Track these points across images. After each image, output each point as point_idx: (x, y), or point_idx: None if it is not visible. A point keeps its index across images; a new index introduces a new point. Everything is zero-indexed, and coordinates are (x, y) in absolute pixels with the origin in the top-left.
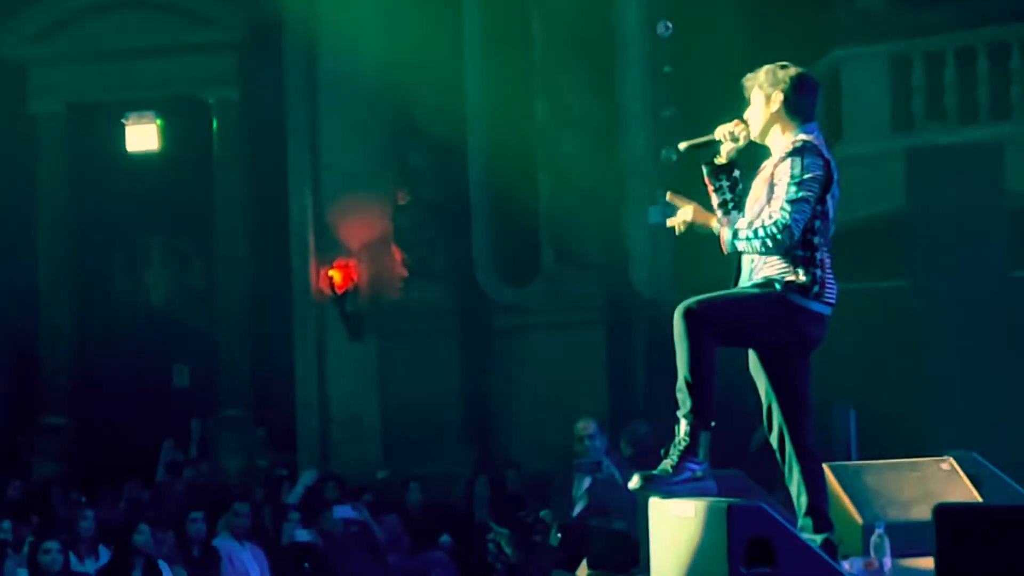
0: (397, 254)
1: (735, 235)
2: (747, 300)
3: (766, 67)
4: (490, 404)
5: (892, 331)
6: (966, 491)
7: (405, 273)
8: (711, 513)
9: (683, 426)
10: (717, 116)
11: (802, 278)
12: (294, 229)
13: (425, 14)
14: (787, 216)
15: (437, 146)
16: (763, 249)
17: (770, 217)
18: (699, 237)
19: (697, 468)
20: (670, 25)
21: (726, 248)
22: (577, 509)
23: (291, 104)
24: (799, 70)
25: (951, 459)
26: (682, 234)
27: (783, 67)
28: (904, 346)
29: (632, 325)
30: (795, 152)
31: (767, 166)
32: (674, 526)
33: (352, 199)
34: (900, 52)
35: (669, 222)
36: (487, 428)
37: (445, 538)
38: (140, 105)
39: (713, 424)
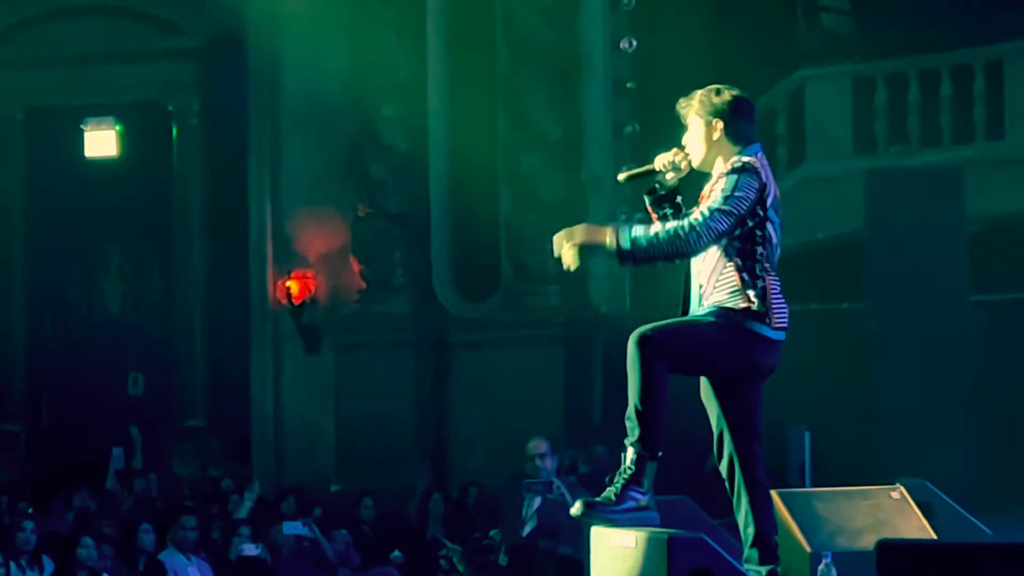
0: (355, 266)
1: (634, 242)
2: (701, 328)
3: (700, 92)
4: (446, 419)
5: (849, 353)
6: (916, 521)
7: (363, 285)
8: (651, 544)
9: (630, 454)
10: (679, 133)
11: (753, 303)
12: (252, 239)
13: (389, 26)
14: (701, 220)
15: (398, 159)
16: (668, 249)
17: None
18: None
19: (641, 497)
20: (634, 42)
21: (622, 258)
22: (527, 529)
23: (252, 113)
24: (734, 93)
25: (901, 487)
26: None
27: (718, 92)
28: (861, 369)
29: (590, 342)
30: (732, 171)
31: (707, 186)
32: (615, 555)
33: (311, 210)
34: (863, 73)
35: (565, 262)
36: (444, 443)
37: (396, 554)
38: (100, 111)
39: (660, 454)
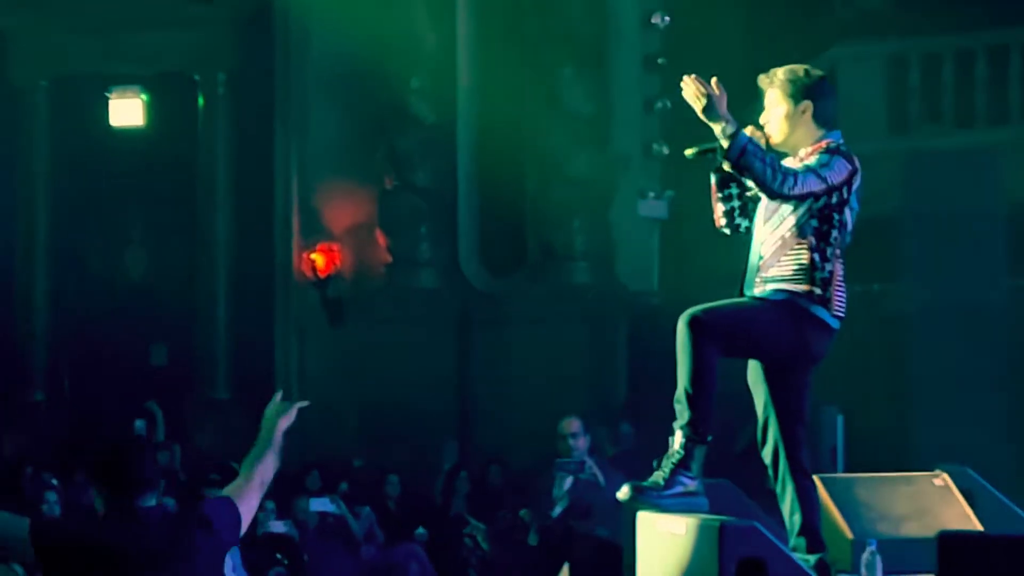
0: (381, 239)
1: (741, 148)
2: (755, 309)
3: (784, 69)
4: (472, 395)
5: (884, 335)
6: (959, 508)
7: (389, 259)
8: (703, 531)
9: (678, 438)
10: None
11: (817, 288)
12: (278, 211)
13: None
14: (799, 170)
15: (426, 131)
16: (760, 175)
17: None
18: (686, 232)
19: (690, 482)
20: (667, 17)
21: (731, 142)
22: (557, 510)
23: (279, 85)
24: (821, 73)
25: (944, 475)
26: (669, 229)
27: (807, 71)
28: (895, 351)
29: (616, 320)
30: (827, 151)
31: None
32: (663, 542)
33: (338, 182)
34: (898, 52)
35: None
36: (468, 420)
37: (421, 531)
38: (125, 80)
39: (710, 439)
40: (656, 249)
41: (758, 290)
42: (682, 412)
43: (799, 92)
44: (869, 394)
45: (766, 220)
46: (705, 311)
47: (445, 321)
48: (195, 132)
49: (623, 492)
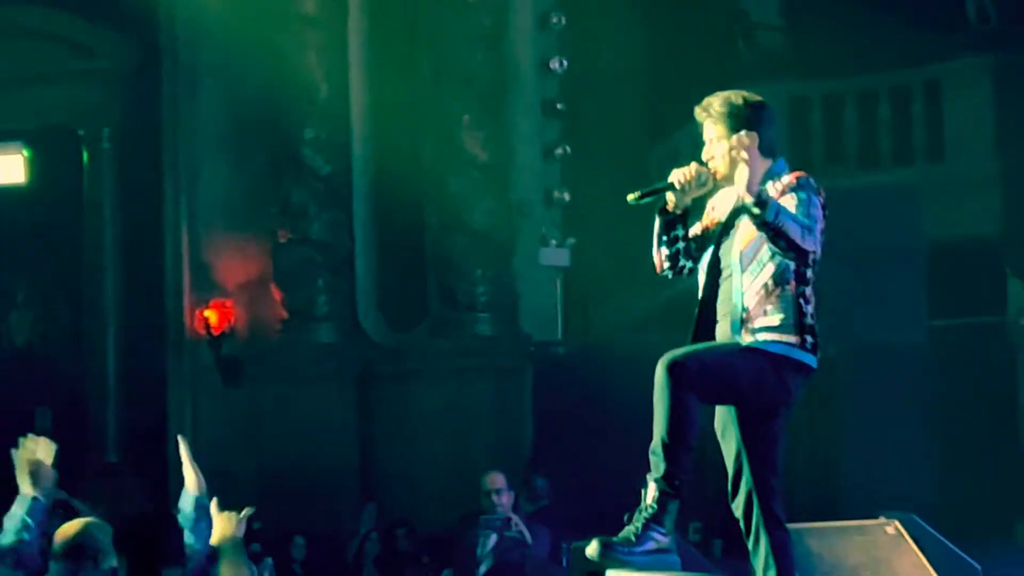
0: (277, 295)
1: (776, 210)
2: (741, 356)
3: (721, 100)
4: (375, 454)
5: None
6: (914, 557)
7: (285, 315)
8: None
9: (651, 491)
10: (613, 156)
11: (806, 335)
12: (168, 267)
13: (310, 47)
14: (809, 222)
15: (321, 183)
16: (795, 229)
17: None
18: (589, 280)
19: (662, 539)
20: (564, 62)
21: (762, 206)
22: (482, 570)
23: (167, 138)
24: (760, 100)
25: (896, 523)
26: (571, 277)
27: (745, 101)
28: (821, 395)
29: (521, 372)
30: (800, 187)
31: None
32: None
33: (230, 237)
34: (800, 93)
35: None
36: (372, 479)
37: None
38: (6, 136)
39: (685, 493)
40: (559, 298)
41: (747, 338)
42: (657, 464)
43: (740, 124)
44: (795, 438)
45: (744, 268)
46: (687, 355)
47: (345, 377)
48: (80, 188)
49: (591, 549)
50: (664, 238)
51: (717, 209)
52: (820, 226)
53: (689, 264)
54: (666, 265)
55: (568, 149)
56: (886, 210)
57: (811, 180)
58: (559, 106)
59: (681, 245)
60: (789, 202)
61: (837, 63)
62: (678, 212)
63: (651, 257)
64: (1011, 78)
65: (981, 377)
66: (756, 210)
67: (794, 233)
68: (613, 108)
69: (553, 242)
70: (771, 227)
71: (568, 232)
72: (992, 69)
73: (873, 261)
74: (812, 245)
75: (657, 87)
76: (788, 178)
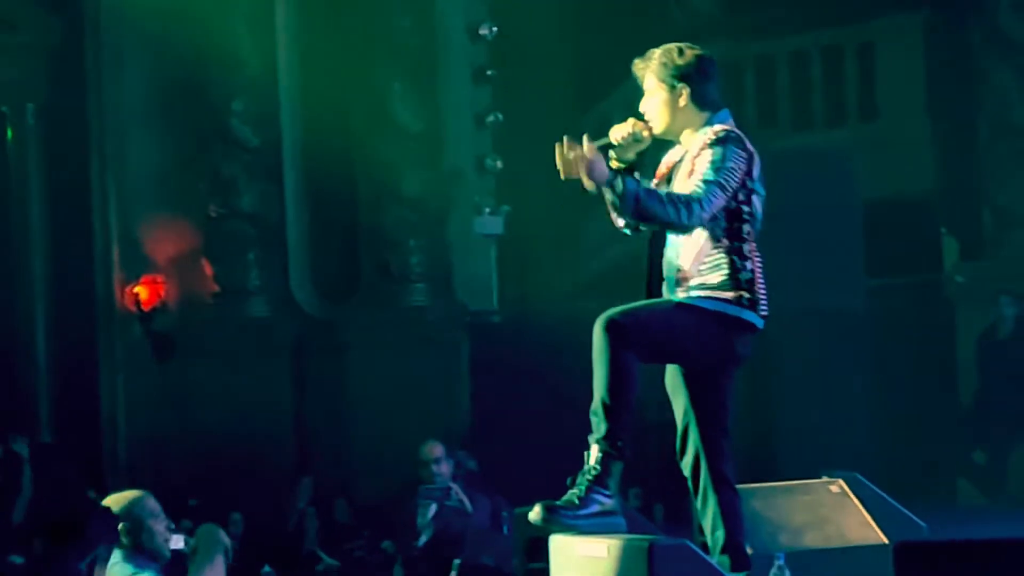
0: (208, 269)
1: (637, 184)
2: (679, 312)
3: (658, 52)
4: (311, 427)
5: None
6: (859, 515)
7: (216, 289)
8: (628, 552)
9: (594, 452)
10: (545, 121)
11: (744, 292)
12: (97, 244)
13: (236, 16)
14: (700, 193)
15: (250, 155)
16: (668, 216)
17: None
18: (524, 248)
19: (607, 501)
20: (494, 28)
21: (619, 211)
22: (423, 539)
23: (93, 114)
24: (697, 52)
25: (840, 481)
26: (506, 245)
27: (680, 52)
28: (759, 355)
29: (457, 343)
30: (717, 142)
31: (688, 157)
32: (583, 566)
33: (160, 212)
34: (731, 56)
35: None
36: (309, 453)
37: (267, 569)
38: None
39: (628, 454)
40: (494, 266)
41: (682, 295)
42: (599, 425)
43: (673, 76)
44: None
45: None
46: (623, 314)
47: (279, 351)
48: (5, 166)
49: (535, 513)
50: (610, 195)
51: (664, 164)
52: (731, 188)
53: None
54: (620, 222)
55: (500, 116)
56: (820, 171)
57: (732, 132)
58: (489, 72)
59: None
60: (703, 160)
61: (770, 23)
62: (622, 169)
63: (587, 223)
64: (942, 35)
65: (919, 335)
66: (612, 199)
67: (664, 216)
68: (544, 74)
69: (487, 210)
70: (633, 216)
71: (502, 200)
72: (923, 26)
73: (809, 222)
74: (699, 218)
75: (589, 51)
76: (709, 133)
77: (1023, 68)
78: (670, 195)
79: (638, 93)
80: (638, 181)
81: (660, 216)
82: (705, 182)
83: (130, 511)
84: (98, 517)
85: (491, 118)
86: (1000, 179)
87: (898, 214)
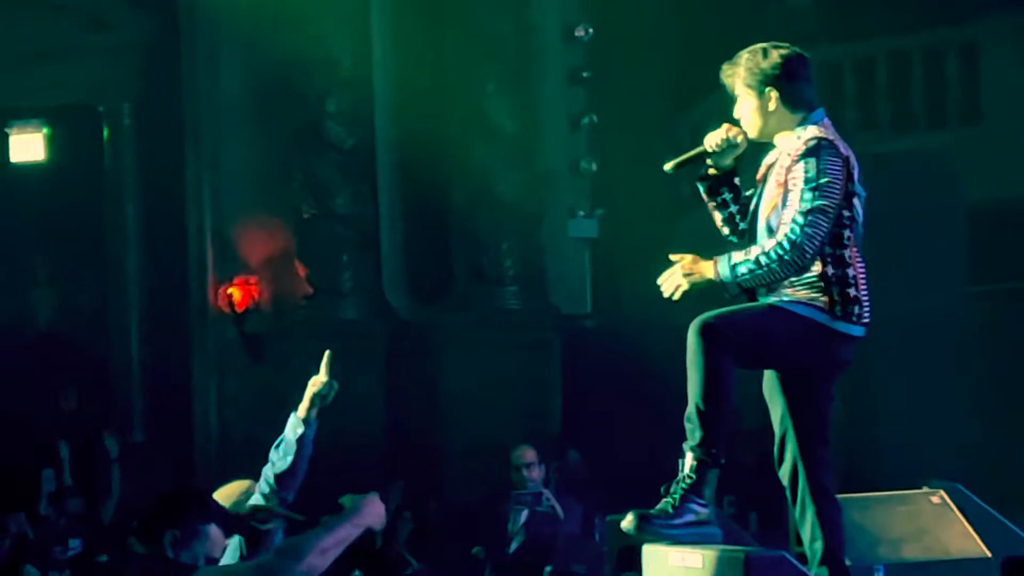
0: (301, 271)
1: (734, 271)
2: (774, 315)
3: (745, 56)
4: (403, 430)
5: None
6: (960, 527)
7: (310, 291)
8: (724, 563)
9: (688, 460)
10: (641, 124)
11: (835, 301)
12: (191, 244)
13: (332, 17)
14: (798, 231)
15: (344, 156)
16: (773, 276)
17: (779, 233)
18: (618, 251)
19: (702, 510)
20: (590, 29)
21: (728, 288)
22: (513, 546)
23: (188, 113)
24: (784, 52)
25: (942, 491)
26: (600, 249)
27: (765, 54)
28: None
29: (550, 345)
30: (809, 152)
31: (777, 166)
32: None
33: (254, 213)
34: (830, 57)
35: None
36: (401, 456)
37: (357, 573)
38: (26, 113)
39: (723, 461)
40: (587, 269)
41: (773, 298)
42: (693, 431)
43: (760, 82)
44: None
45: (771, 230)
46: (719, 317)
47: (371, 353)
48: (101, 165)
49: (627, 522)
50: (712, 203)
51: (764, 165)
52: (831, 208)
53: (745, 226)
54: (726, 230)
55: (595, 118)
56: (921, 175)
57: (823, 140)
58: (585, 74)
59: (734, 208)
60: (796, 177)
61: (869, 24)
62: (719, 175)
63: (681, 227)
64: None
65: (1021, 343)
66: (726, 286)
67: (770, 279)
68: (640, 76)
69: (581, 213)
70: (744, 291)
71: (596, 203)
72: None
73: (910, 226)
74: (810, 260)
75: (685, 53)
76: (800, 143)
77: None
78: (770, 257)
79: (733, 97)
80: (729, 256)
81: (767, 280)
82: (803, 213)
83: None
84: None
85: (586, 120)
86: None
87: (1002, 219)
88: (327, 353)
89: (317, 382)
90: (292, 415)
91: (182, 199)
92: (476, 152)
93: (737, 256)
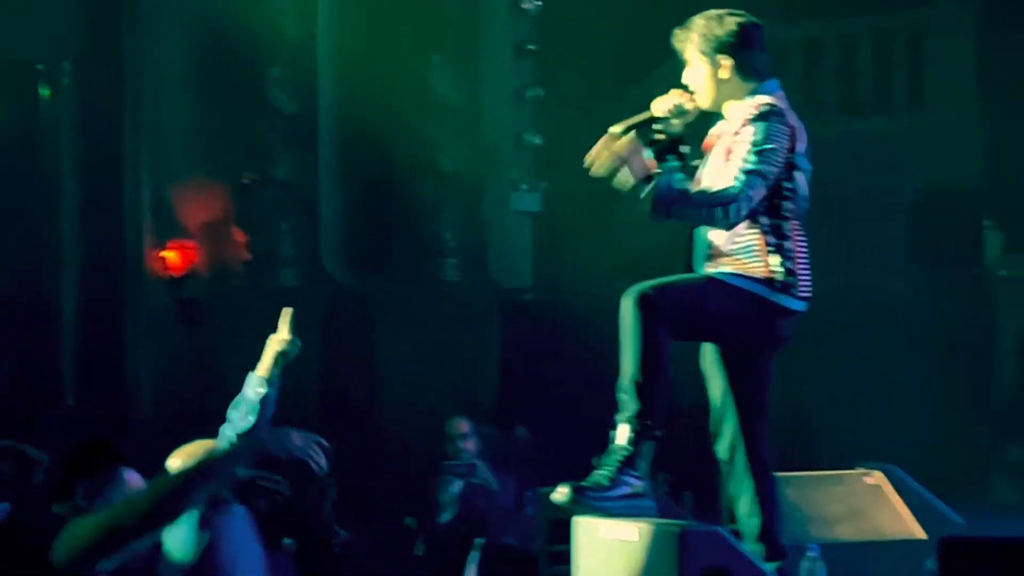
0: (240, 237)
1: (670, 185)
2: (713, 288)
3: (699, 21)
4: (337, 400)
5: None
6: (894, 509)
7: (248, 257)
8: (660, 537)
9: (624, 432)
10: (586, 99)
11: (777, 272)
12: (128, 208)
13: None
14: (738, 186)
15: (286, 123)
16: (699, 219)
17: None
18: (560, 226)
19: (636, 483)
20: (538, 2)
21: (659, 198)
22: (446, 516)
23: (129, 75)
24: (740, 20)
25: (878, 473)
26: (542, 222)
27: (720, 20)
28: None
29: (489, 318)
30: (758, 117)
31: (724, 134)
32: (610, 550)
33: (193, 178)
34: (780, 37)
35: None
36: (333, 426)
37: (288, 541)
38: None
39: (659, 434)
40: (529, 243)
41: (712, 269)
42: (628, 403)
43: (713, 49)
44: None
45: None
46: (656, 288)
47: (308, 321)
48: (37, 124)
49: (560, 493)
50: (659, 170)
51: (711, 135)
52: (772, 172)
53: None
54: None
55: (540, 92)
56: (865, 158)
57: (775, 107)
58: (531, 47)
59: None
60: (743, 138)
61: (820, 5)
62: (667, 142)
63: (625, 203)
64: (994, 24)
65: (959, 328)
66: (647, 200)
67: (698, 219)
68: (587, 49)
69: (524, 187)
70: (667, 217)
71: (540, 177)
72: (975, 14)
73: (851, 209)
74: (738, 217)
75: (632, 28)
76: (751, 107)
77: None
78: (704, 196)
79: (681, 70)
80: (670, 183)
81: (693, 219)
82: (745, 172)
83: None
84: None
85: (531, 93)
86: None
87: (942, 204)
88: (288, 311)
89: (279, 340)
90: (251, 374)
91: (120, 161)
92: (420, 123)
93: (683, 181)
